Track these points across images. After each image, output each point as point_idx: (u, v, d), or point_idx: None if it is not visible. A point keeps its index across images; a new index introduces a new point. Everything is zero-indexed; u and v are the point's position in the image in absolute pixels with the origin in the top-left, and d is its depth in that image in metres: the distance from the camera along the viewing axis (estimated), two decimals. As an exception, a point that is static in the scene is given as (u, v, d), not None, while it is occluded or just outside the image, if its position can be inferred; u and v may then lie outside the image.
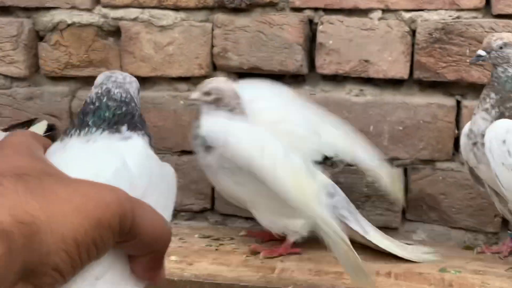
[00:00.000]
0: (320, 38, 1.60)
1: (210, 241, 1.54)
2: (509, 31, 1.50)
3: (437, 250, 1.45)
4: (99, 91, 0.79)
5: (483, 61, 1.36)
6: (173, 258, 1.41)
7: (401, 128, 1.60)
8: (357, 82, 1.62)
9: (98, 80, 0.81)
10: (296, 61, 1.61)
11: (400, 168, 1.61)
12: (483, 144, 1.33)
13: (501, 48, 1.32)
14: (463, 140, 1.43)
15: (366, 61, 1.59)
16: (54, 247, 0.40)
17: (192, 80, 1.66)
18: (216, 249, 1.48)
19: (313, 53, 1.63)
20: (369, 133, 1.60)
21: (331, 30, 1.59)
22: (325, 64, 1.61)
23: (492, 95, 1.33)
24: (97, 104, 0.77)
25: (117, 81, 0.81)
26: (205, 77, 1.62)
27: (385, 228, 1.63)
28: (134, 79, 0.83)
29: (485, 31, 1.52)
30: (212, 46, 1.64)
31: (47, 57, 1.70)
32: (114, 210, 0.43)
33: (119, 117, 0.75)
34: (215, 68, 1.67)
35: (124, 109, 0.77)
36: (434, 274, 1.33)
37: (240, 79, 1.63)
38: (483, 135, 1.33)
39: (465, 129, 1.42)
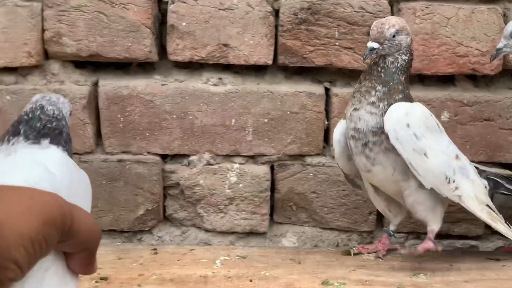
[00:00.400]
0: (171, 19, 1.38)
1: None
2: (380, 10, 1.37)
3: (313, 258, 1.29)
4: (33, 106, 0.89)
5: (376, 54, 1.19)
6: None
7: (266, 120, 1.42)
8: (216, 70, 1.42)
9: (32, 99, 0.92)
10: (144, 46, 1.38)
11: (266, 165, 1.44)
12: (375, 142, 1.17)
13: (394, 36, 1.16)
14: (338, 148, 1.27)
15: (225, 45, 1.39)
16: (13, 243, 0.44)
17: (20, 71, 1.39)
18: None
19: (164, 37, 1.41)
20: (231, 127, 1.41)
21: (184, 10, 1.38)
22: (178, 49, 1.39)
23: (379, 87, 1.18)
24: (30, 115, 0.87)
25: (51, 100, 0.91)
26: (35, 66, 1.37)
27: (252, 233, 1.46)
28: (67, 101, 0.95)
29: (355, 11, 1.38)
30: (43, 30, 1.38)
31: None
32: (56, 211, 0.48)
33: (48, 130, 0.85)
34: (47, 56, 1.40)
35: (54, 124, 0.87)
36: (317, 288, 1.16)
37: (78, 69, 1.40)
38: (374, 132, 1.17)
39: (337, 134, 1.27)
